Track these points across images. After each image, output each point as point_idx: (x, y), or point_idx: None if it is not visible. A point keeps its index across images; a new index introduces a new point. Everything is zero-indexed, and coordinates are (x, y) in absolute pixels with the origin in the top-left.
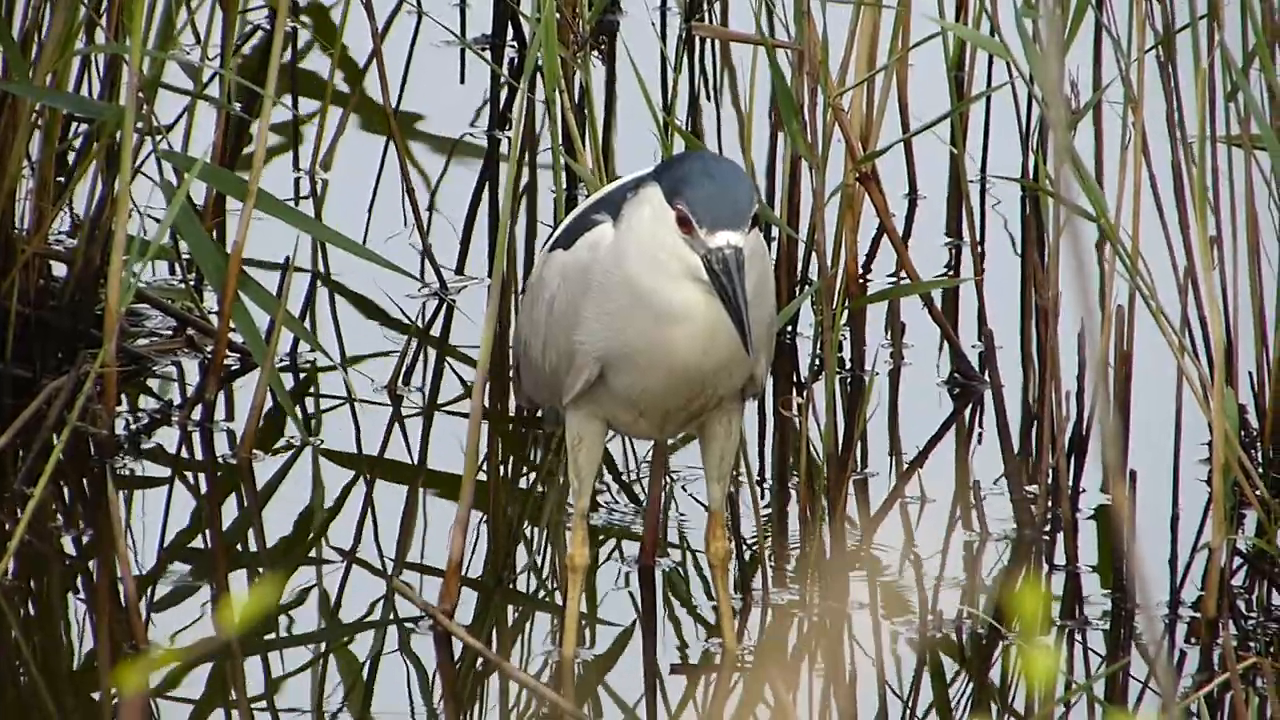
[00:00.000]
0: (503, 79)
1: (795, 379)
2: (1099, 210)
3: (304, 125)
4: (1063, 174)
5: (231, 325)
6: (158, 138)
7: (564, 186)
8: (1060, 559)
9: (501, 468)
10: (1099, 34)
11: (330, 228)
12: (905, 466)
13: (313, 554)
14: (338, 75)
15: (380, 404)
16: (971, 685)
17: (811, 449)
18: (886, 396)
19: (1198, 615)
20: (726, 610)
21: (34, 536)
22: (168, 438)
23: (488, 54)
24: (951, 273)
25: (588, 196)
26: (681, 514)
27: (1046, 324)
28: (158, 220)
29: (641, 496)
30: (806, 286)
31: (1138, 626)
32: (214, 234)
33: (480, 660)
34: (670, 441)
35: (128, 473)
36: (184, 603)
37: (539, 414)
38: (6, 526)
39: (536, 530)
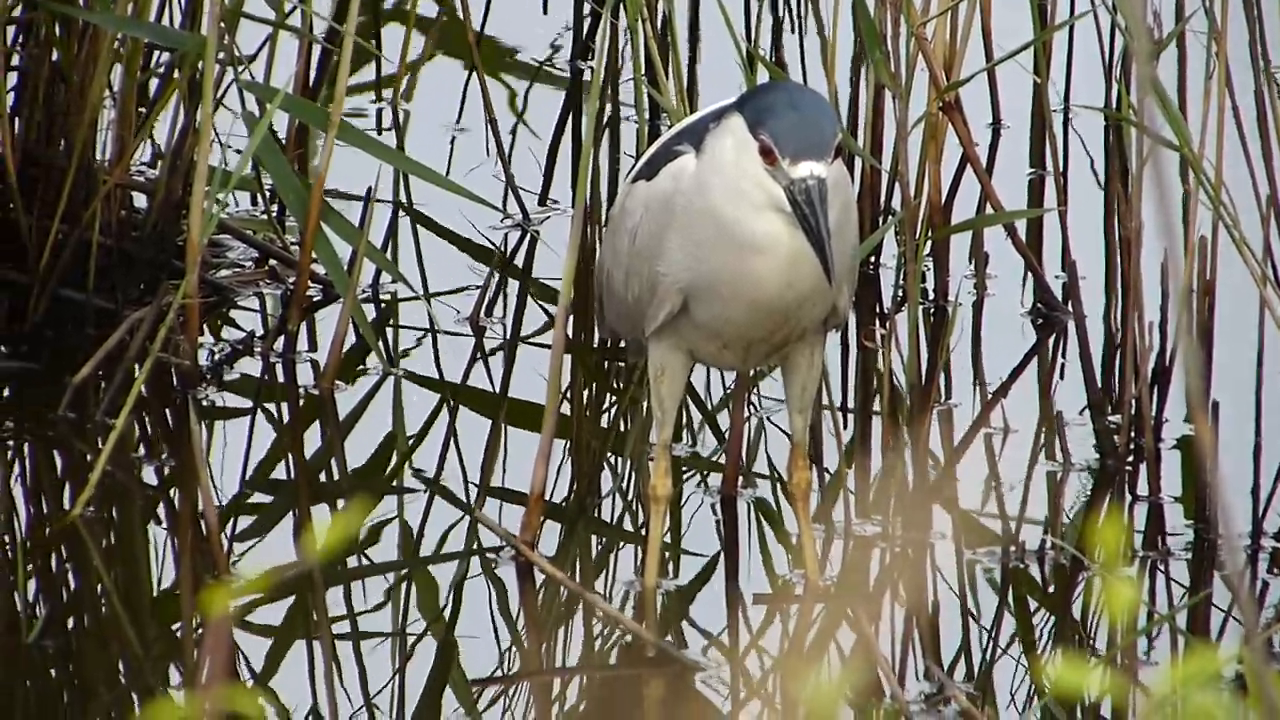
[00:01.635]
0: (586, 4)
1: (878, 310)
2: (1182, 141)
3: (379, 47)
4: (1146, 104)
5: (314, 256)
6: (239, 68)
7: (647, 117)
8: (1143, 489)
9: (584, 398)
10: None
11: (412, 158)
12: (988, 397)
13: (395, 484)
14: (420, 4)
15: (463, 335)
16: (1054, 617)
17: (894, 380)
18: (969, 327)
19: None
20: (808, 540)
21: (116, 467)
22: (250, 369)
23: None
24: (1035, 203)
25: (671, 127)
26: (765, 445)
27: (1130, 254)
28: (239, 151)
29: (724, 427)
30: (890, 217)
31: (1220, 557)
32: (296, 165)
33: (563, 590)
34: (753, 372)
35: (210, 404)
36: (266, 533)
37: (623, 345)
38: (89, 457)
39: (619, 460)
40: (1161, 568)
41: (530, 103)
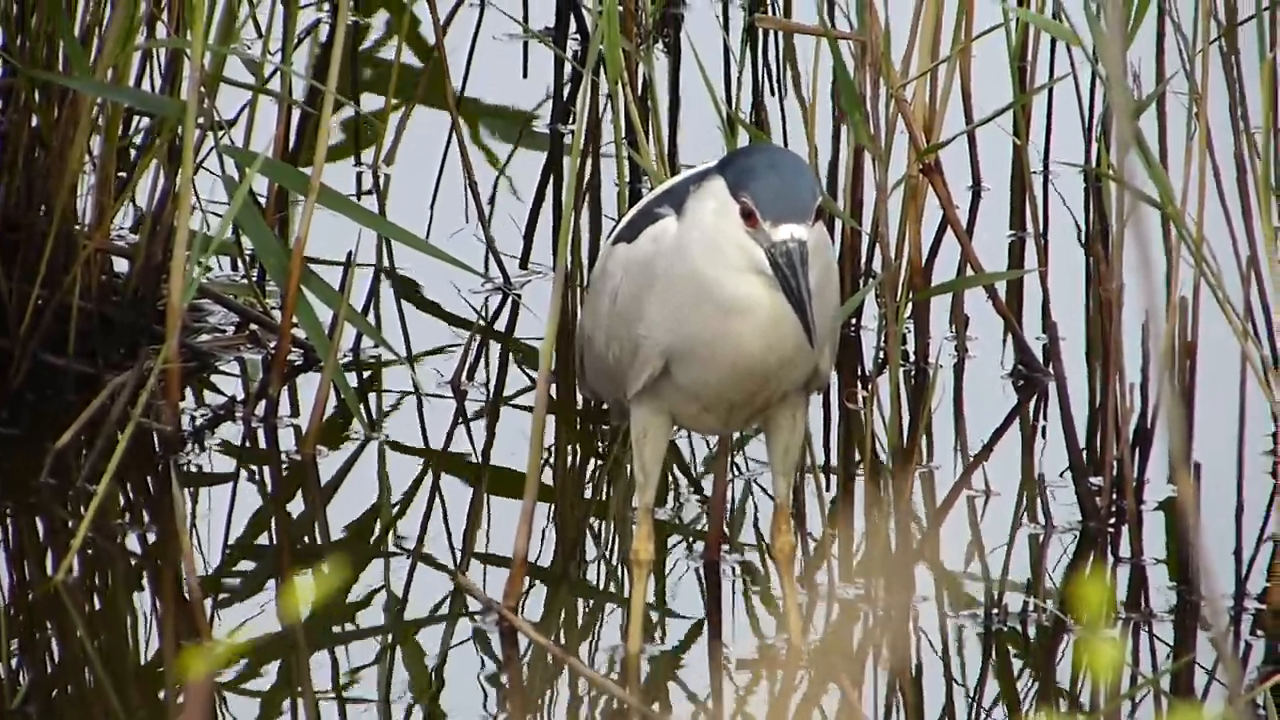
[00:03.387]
0: (567, 67)
1: (859, 372)
2: (1165, 196)
3: (366, 117)
4: (1127, 161)
5: (294, 321)
6: (219, 132)
7: (627, 179)
8: (1125, 551)
9: (567, 461)
10: (1162, 24)
11: (393, 223)
12: (970, 459)
13: (378, 549)
14: (400, 69)
15: (445, 398)
16: (1037, 679)
17: (876, 442)
18: (951, 389)
19: (1263, 607)
20: (792, 605)
21: (98, 533)
22: (232, 434)
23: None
24: (1016, 264)
25: (651, 189)
26: (749, 508)
27: (1110, 316)
28: (220, 215)
29: (707, 490)
30: (870, 279)
31: (1203, 619)
32: (276, 229)
33: (547, 654)
34: (738, 435)
35: (192, 469)
36: (249, 600)
37: (604, 407)
38: (70, 524)
39: (603, 524)
40: (1145, 629)
41: (511, 165)
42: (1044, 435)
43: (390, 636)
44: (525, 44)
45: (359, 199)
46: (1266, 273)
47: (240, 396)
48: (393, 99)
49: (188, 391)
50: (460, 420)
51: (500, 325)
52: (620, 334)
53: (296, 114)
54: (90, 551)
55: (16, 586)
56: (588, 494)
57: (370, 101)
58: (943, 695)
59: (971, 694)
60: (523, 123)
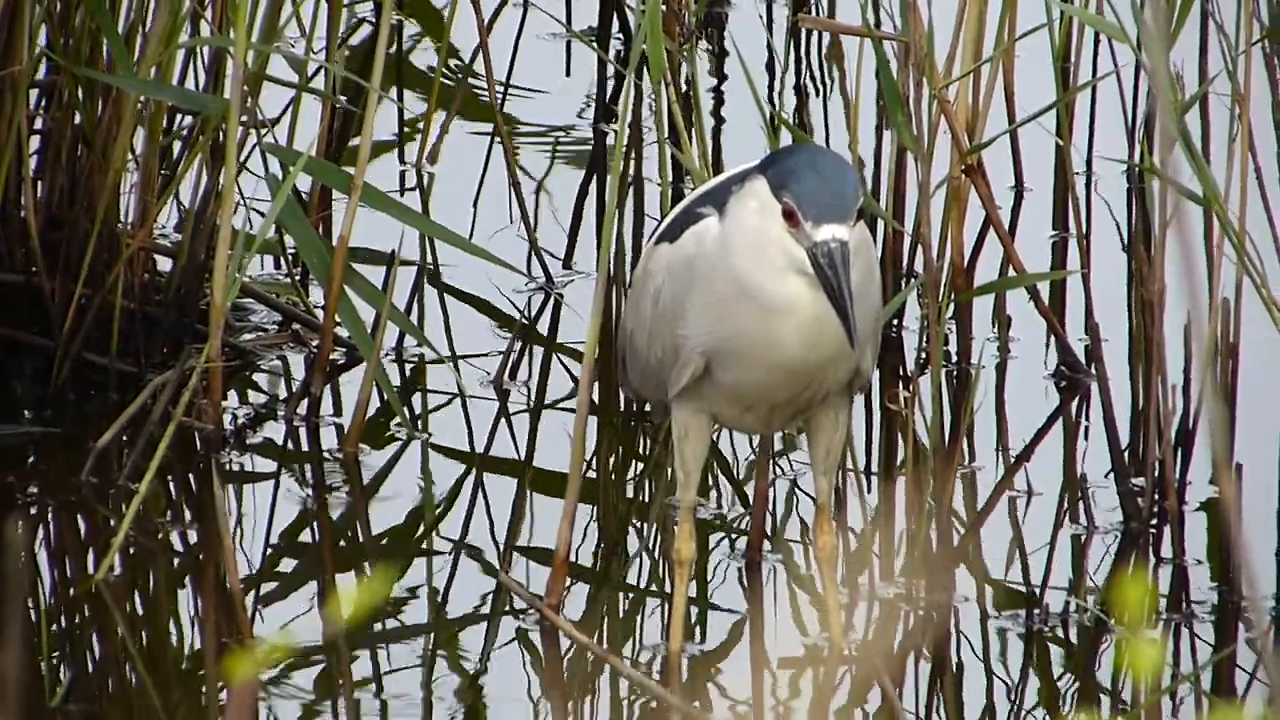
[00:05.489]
0: (609, 67)
1: (901, 372)
2: (1210, 194)
3: (409, 122)
4: (1171, 159)
5: (337, 320)
6: (262, 131)
7: (670, 179)
8: (1167, 552)
9: (609, 461)
10: (1205, 25)
11: (436, 222)
12: (1011, 460)
13: (420, 548)
14: (442, 71)
15: (487, 399)
16: (1078, 679)
17: (918, 442)
18: (993, 389)
19: None
20: (833, 604)
21: (140, 532)
22: (274, 432)
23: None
24: (1058, 265)
25: (694, 189)
26: (791, 507)
27: (1153, 316)
28: (263, 214)
29: (748, 490)
30: (912, 279)
31: (1245, 619)
32: (319, 228)
33: (588, 653)
34: (786, 434)
35: (234, 468)
36: (290, 598)
37: (646, 406)
38: (112, 522)
39: (644, 523)
40: (1186, 630)
41: (554, 166)
42: (1086, 436)
43: (432, 635)
44: (568, 43)
45: (402, 197)
46: None
47: (283, 395)
48: (435, 103)
49: (230, 390)
50: (503, 419)
51: (543, 325)
52: (662, 334)
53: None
54: (132, 550)
55: (58, 584)
56: (629, 493)
57: (413, 101)
58: (983, 695)
59: (1012, 694)
60: (556, 140)
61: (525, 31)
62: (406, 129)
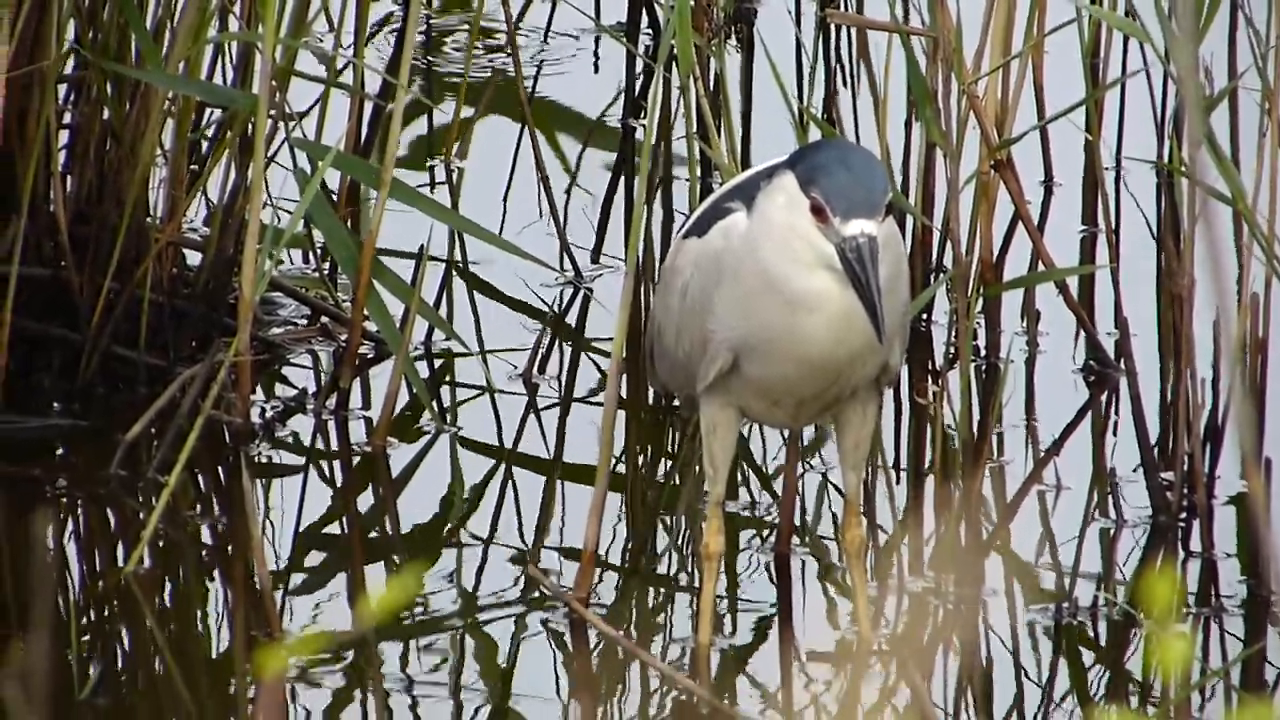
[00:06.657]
0: (639, 62)
1: (930, 367)
2: (1236, 194)
3: (438, 104)
4: (1199, 157)
5: (365, 314)
6: (291, 125)
7: (699, 174)
8: (1196, 546)
9: (638, 455)
10: (1234, 20)
11: (465, 216)
12: (1040, 454)
13: (449, 541)
14: (472, 63)
15: (516, 393)
16: (1107, 673)
17: (947, 436)
18: (1022, 384)
19: None
20: (862, 598)
21: (169, 525)
22: (302, 426)
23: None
24: (1087, 260)
25: (722, 184)
26: (827, 500)
27: (1181, 311)
28: (291, 209)
29: (777, 485)
30: (941, 274)
31: (1274, 613)
32: (348, 222)
33: (618, 647)
34: (810, 430)
35: (263, 461)
36: (319, 591)
37: (675, 401)
38: (141, 515)
39: (673, 517)
40: (1215, 624)
41: (583, 161)
42: (1115, 430)
43: (461, 628)
44: (597, 39)
45: (431, 192)
46: None
47: (311, 389)
48: (464, 100)
49: (258, 384)
50: (531, 414)
51: (571, 319)
52: (690, 328)
53: (370, 106)
54: (161, 543)
55: (87, 577)
56: (658, 487)
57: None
58: (1012, 689)
59: (1041, 688)
60: (585, 136)
61: (553, 27)
62: (436, 123)
